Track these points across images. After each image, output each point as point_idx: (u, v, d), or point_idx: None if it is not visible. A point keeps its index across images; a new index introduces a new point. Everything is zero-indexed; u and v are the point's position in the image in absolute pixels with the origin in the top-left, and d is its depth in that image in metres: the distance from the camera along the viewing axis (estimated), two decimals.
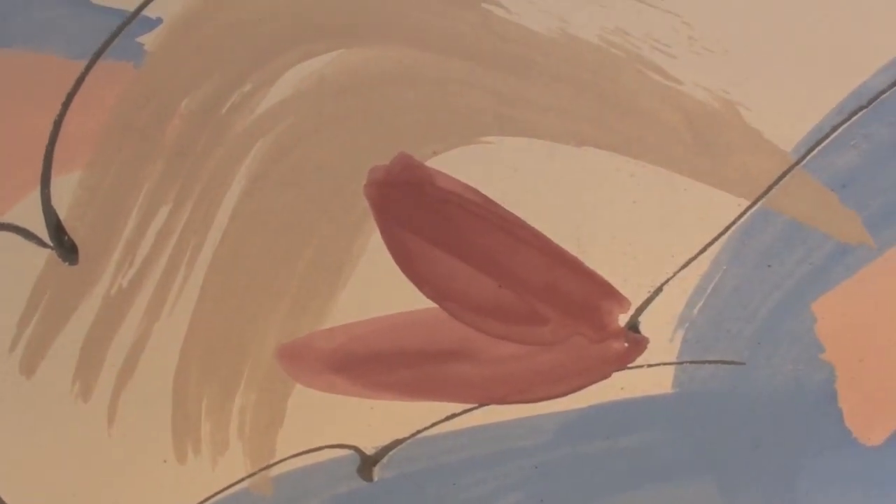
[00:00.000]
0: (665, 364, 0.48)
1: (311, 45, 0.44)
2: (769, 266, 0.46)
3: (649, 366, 0.48)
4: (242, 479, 0.49)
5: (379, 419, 0.49)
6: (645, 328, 0.47)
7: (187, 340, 0.47)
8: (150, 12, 0.43)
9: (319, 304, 0.47)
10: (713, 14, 0.43)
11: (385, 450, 0.49)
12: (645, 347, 0.47)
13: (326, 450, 0.49)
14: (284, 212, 0.46)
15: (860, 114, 0.44)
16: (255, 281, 0.47)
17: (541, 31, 0.43)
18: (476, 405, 0.49)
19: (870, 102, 0.44)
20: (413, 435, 0.49)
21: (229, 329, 0.47)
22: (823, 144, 0.44)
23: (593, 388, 0.48)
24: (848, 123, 0.44)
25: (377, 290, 0.47)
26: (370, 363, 0.48)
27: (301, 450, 0.49)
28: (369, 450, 0.49)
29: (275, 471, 0.49)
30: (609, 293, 0.47)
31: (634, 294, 0.47)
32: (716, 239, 0.46)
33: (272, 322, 0.47)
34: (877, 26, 0.43)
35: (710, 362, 0.48)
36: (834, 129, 0.44)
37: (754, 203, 0.45)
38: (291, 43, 0.44)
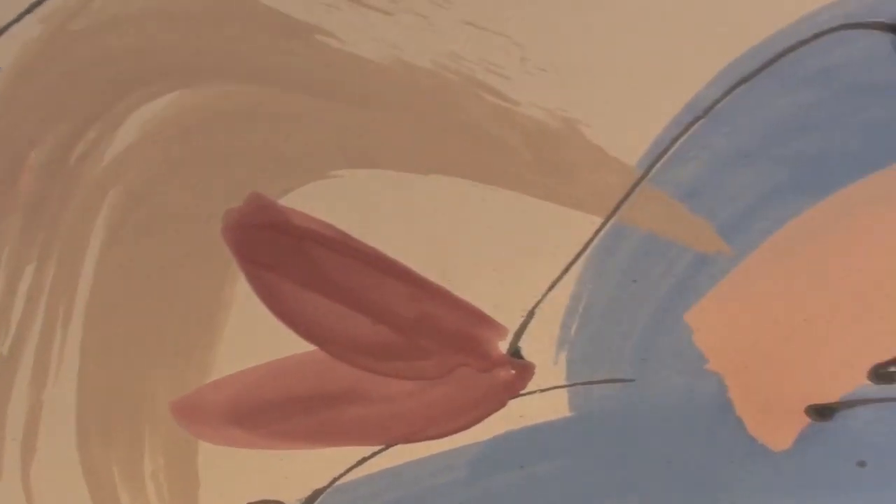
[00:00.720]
0: (556, 388, 0.47)
1: (148, 88, 0.43)
2: (634, 281, 0.46)
3: (542, 391, 0.47)
4: None
5: (293, 470, 0.47)
6: (527, 353, 0.47)
7: (80, 406, 0.46)
8: None
9: (200, 356, 0.46)
10: (542, 33, 0.43)
11: (308, 501, 0.48)
12: (532, 372, 0.47)
13: None
14: (146, 263, 0.45)
15: (698, 124, 0.44)
16: (132, 336, 0.46)
17: (375, 60, 0.43)
18: (382, 446, 0.48)
19: (706, 112, 0.44)
20: (331, 483, 0.48)
21: (118, 390, 0.46)
22: (666, 156, 0.44)
23: (494, 418, 0.47)
24: (687, 134, 0.44)
25: (255, 336, 0.46)
26: (264, 412, 0.47)
27: None
28: (293, 502, 0.48)
29: None
30: (483, 321, 0.46)
31: (509, 320, 0.46)
32: (575, 259, 0.45)
33: (158, 379, 0.46)
34: (705, 38, 0.43)
35: (598, 382, 0.47)
36: (674, 140, 0.44)
37: (607, 220, 0.45)
38: (129, 86, 0.43)
